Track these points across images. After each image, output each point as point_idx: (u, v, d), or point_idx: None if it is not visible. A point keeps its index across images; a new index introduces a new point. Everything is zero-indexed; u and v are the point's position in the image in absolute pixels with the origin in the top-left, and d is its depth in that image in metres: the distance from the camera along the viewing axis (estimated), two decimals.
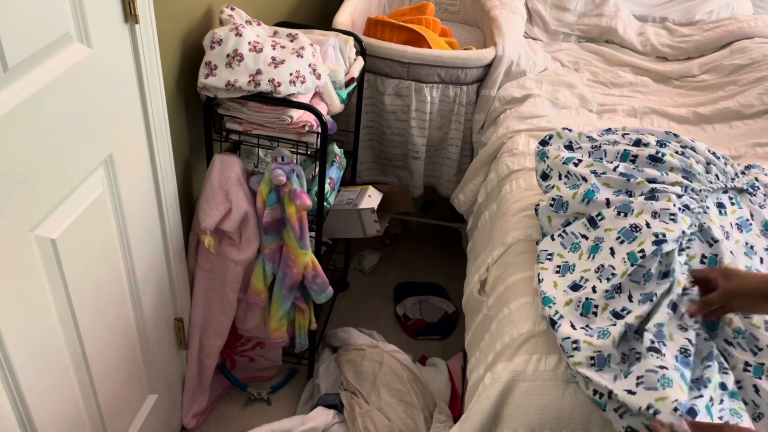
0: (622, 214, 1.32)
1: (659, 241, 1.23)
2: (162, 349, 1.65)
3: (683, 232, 1.25)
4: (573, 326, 1.21)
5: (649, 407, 1.04)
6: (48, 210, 1.10)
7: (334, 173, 1.81)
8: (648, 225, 1.27)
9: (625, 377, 1.11)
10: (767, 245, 1.35)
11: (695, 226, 1.28)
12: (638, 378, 1.09)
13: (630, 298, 1.23)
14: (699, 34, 2.51)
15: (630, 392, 1.08)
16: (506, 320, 1.37)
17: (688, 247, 1.26)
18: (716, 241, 1.26)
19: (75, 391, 1.29)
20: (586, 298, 1.25)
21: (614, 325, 1.18)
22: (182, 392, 1.83)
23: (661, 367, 1.09)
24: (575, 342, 1.18)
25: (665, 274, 1.22)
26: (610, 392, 1.11)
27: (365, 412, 1.76)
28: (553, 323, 1.24)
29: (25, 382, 1.11)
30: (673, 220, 1.26)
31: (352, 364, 1.91)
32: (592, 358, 1.16)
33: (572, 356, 1.17)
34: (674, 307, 1.17)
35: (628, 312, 1.20)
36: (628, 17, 2.62)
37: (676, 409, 1.02)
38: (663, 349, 1.10)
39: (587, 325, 1.22)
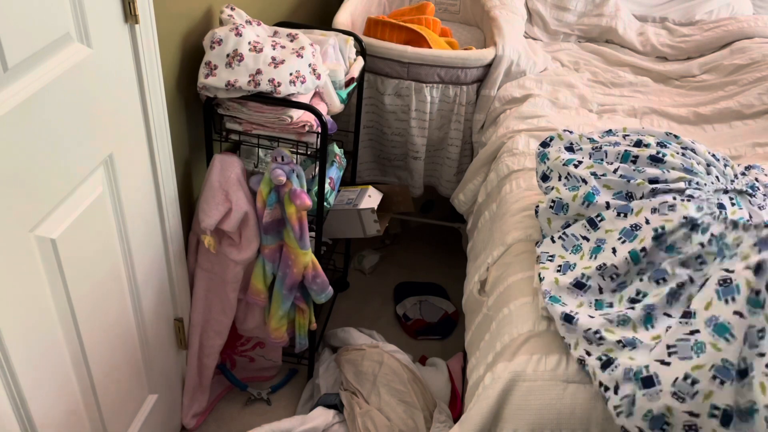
0: (622, 215, 1.32)
1: (658, 235, 1.23)
2: (162, 349, 1.65)
3: (685, 217, 1.24)
4: (591, 316, 1.21)
5: (686, 377, 1.02)
6: (48, 210, 1.10)
7: (334, 173, 1.81)
8: (647, 221, 1.27)
9: (651, 350, 1.09)
10: None
11: (708, 212, 1.26)
12: (669, 347, 1.06)
13: (641, 278, 1.24)
14: (699, 34, 2.51)
15: (663, 363, 1.06)
16: (506, 320, 1.37)
17: (705, 228, 1.23)
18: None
19: (75, 391, 1.29)
20: (596, 300, 1.25)
21: (633, 308, 1.19)
22: (182, 392, 1.83)
23: (693, 332, 1.06)
24: (597, 332, 1.18)
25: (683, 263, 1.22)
26: (617, 387, 1.11)
27: (365, 412, 1.76)
28: (569, 318, 1.23)
29: (25, 382, 1.11)
30: (672, 209, 1.26)
31: (352, 364, 1.91)
32: (620, 341, 1.15)
33: (601, 344, 1.17)
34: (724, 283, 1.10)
35: (644, 294, 1.21)
36: (628, 17, 2.62)
37: (714, 377, 1.01)
38: (693, 311, 1.08)
39: (606, 314, 1.22)
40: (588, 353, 1.19)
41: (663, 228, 1.23)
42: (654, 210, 1.28)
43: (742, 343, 1.04)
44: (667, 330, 1.14)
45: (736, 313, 1.05)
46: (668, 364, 1.05)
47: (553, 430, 1.21)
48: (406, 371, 1.89)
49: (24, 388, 1.11)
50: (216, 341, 1.79)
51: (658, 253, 1.23)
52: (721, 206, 1.36)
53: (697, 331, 1.06)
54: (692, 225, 1.23)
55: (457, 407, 1.91)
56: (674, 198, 1.28)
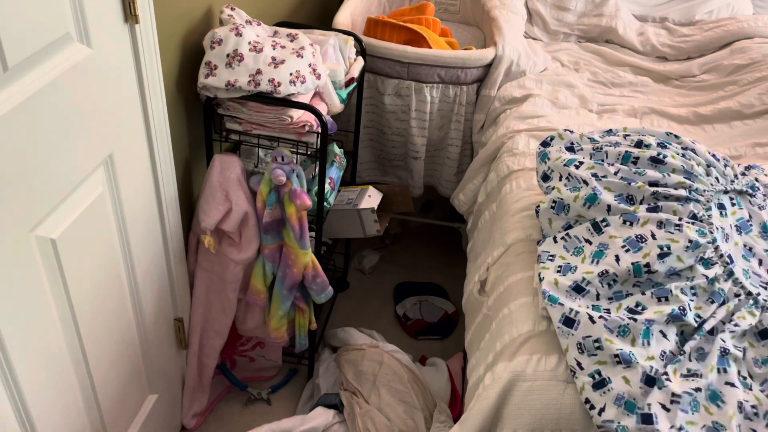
0: (628, 223, 1.33)
1: (664, 254, 1.25)
2: (162, 349, 1.65)
3: (690, 240, 1.25)
4: (591, 318, 1.21)
5: (681, 428, 1.10)
6: (48, 210, 1.10)
7: (334, 173, 1.81)
8: (653, 236, 1.28)
9: (660, 389, 1.13)
10: (767, 247, 1.35)
11: (707, 239, 1.28)
12: (673, 395, 1.12)
13: (643, 292, 1.26)
14: (699, 34, 2.51)
15: (664, 407, 1.12)
16: (506, 320, 1.37)
17: (708, 260, 1.27)
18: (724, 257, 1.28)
19: (75, 391, 1.29)
20: (593, 305, 1.26)
21: (635, 320, 1.20)
22: (182, 392, 1.83)
23: (696, 390, 1.13)
24: (597, 341, 1.18)
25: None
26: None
27: (365, 412, 1.76)
28: (570, 322, 1.23)
29: (25, 382, 1.11)
30: (678, 229, 1.27)
31: (352, 364, 1.91)
32: (617, 356, 1.16)
33: (595, 355, 1.18)
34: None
35: (644, 308, 1.22)
36: (628, 17, 2.62)
37: None
38: (701, 369, 1.16)
39: (604, 315, 1.23)
40: (579, 365, 1.20)
41: (668, 247, 1.25)
42: (660, 224, 1.29)
43: (736, 410, 1.11)
44: (662, 355, 1.18)
45: (728, 383, 1.14)
46: (668, 410, 1.12)
47: (553, 430, 1.21)
48: (406, 371, 1.89)
49: (24, 388, 1.11)
50: (216, 341, 1.79)
51: (661, 273, 1.25)
52: (721, 206, 1.36)
53: (699, 390, 1.14)
54: (699, 258, 1.26)
55: (457, 407, 1.91)
56: (680, 219, 1.30)
